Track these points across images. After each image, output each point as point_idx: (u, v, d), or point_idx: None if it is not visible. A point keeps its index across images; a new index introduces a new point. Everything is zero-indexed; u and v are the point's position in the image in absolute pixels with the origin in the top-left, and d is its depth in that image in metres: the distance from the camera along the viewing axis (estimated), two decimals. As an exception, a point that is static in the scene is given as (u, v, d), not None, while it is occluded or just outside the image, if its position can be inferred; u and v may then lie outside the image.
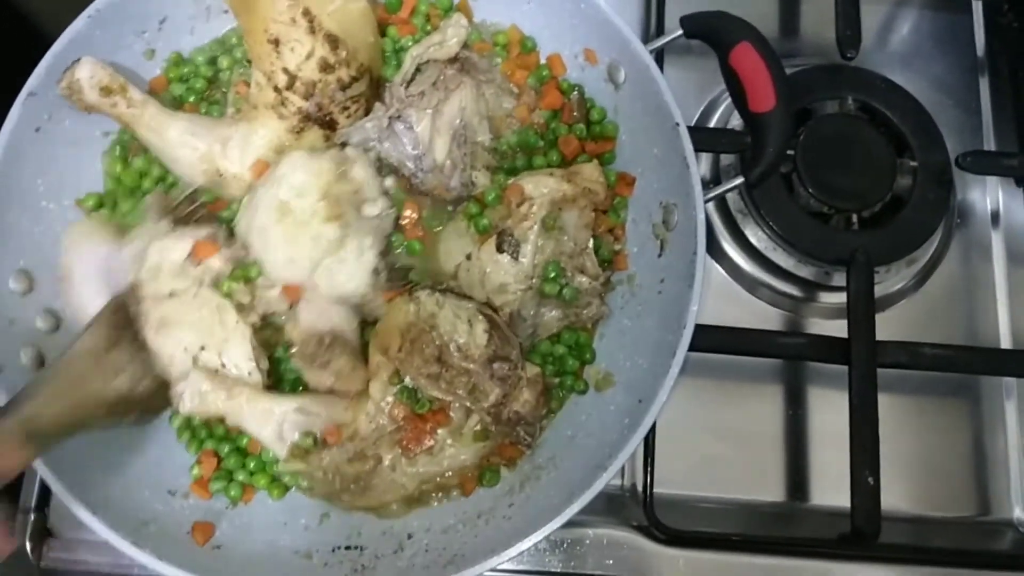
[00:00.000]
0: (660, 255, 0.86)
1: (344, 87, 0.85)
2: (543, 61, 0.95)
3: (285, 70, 0.83)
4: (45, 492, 0.90)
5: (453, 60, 0.90)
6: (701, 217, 0.79)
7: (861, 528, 0.85)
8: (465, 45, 0.92)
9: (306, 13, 0.81)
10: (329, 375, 0.80)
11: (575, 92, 0.93)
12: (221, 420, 0.81)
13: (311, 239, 0.80)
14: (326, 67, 0.83)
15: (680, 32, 0.86)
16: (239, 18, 0.87)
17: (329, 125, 0.87)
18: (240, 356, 0.80)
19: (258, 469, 0.82)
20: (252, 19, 0.83)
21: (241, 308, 0.81)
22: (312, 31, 0.82)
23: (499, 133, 0.91)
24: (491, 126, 0.91)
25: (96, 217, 0.87)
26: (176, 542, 0.76)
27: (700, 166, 1.07)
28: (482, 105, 0.91)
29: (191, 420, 0.83)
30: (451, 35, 0.90)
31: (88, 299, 0.82)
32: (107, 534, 0.71)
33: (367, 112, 0.89)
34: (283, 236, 0.80)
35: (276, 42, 0.82)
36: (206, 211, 0.87)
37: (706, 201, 0.80)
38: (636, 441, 0.74)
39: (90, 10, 0.84)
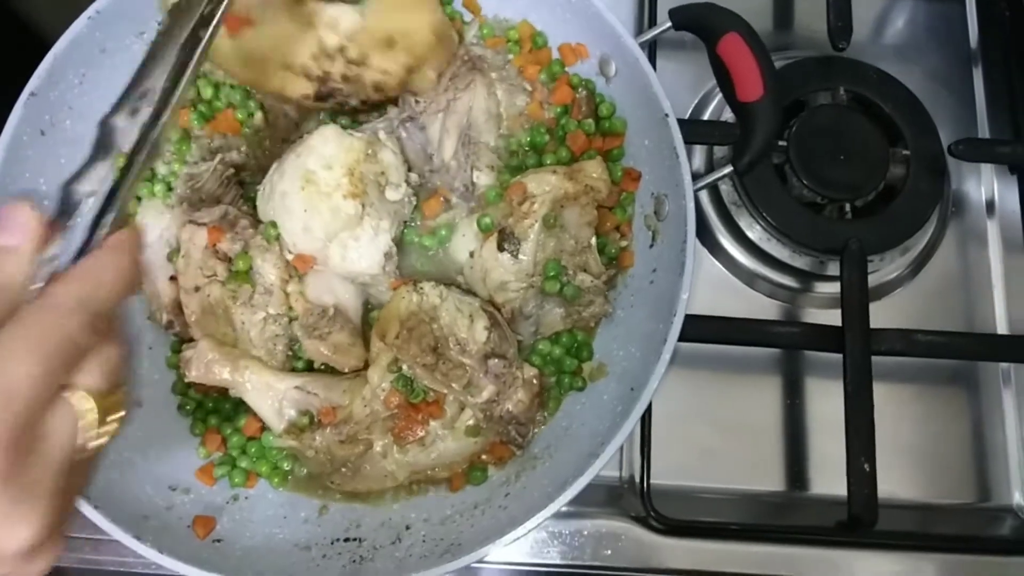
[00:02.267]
0: (652, 245, 0.87)
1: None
2: (555, 56, 0.95)
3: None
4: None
5: (465, 59, 0.91)
6: (691, 206, 0.79)
7: (858, 515, 0.85)
8: (478, 42, 0.93)
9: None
10: (326, 347, 0.82)
11: (583, 89, 0.93)
12: (224, 392, 0.84)
13: (329, 211, 0.80)
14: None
15: (669, 24, 0.87)
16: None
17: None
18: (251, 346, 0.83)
19: (259, 456, 0.84)
20: None
21: (262, 292, 0.83)
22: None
23: (512, 131, 0.92)
24: (505, 124, 0.92)
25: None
26: (177, 535, 0.77)
27: (695, 159, 1.09)
28: (492, 103, 0.91)
29: (199, 401, 0.86)
30: None
31: (157, 268, 0.87)
32: (109, 527, 0.72)
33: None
34: (303, 203, 0.81)
35: None
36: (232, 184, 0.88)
37: (696, 190, 0.80)
38: (628, 428, 0.74)
39: (90, 11, 0.85)
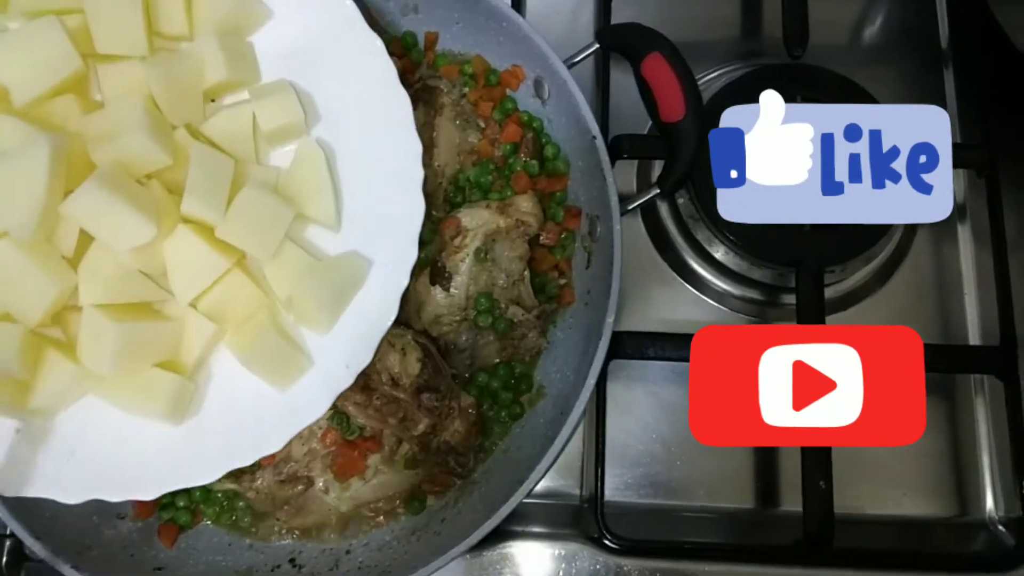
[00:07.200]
0: (588, 267, 0.86)
1: None
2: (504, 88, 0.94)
3: None
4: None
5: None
6: (618, 228, 0.79)
7: (813, 534, 0.84)
8: (434, 73, 0.94)
9: None
10: None
11: (530, 130, 0.92)
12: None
13: None
14: None
15: (596, 45, 0.87)
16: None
17: None
18: None
19: (204, 499, 0.84)
20: None
21: None
22: None
23: (463, 167, 0.91)
24: (457, 159, 0.91)
25: None
26: (118, 566, 0.78)
27: (654, 172, 1.07)
28: (425, 132, 0.90)
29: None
30: None
31: None
32: (49, 558, 0.74)
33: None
34: None
35: None
36: None
37: (623, 213, 0.80)
38: (552, 455, 0.74)
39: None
